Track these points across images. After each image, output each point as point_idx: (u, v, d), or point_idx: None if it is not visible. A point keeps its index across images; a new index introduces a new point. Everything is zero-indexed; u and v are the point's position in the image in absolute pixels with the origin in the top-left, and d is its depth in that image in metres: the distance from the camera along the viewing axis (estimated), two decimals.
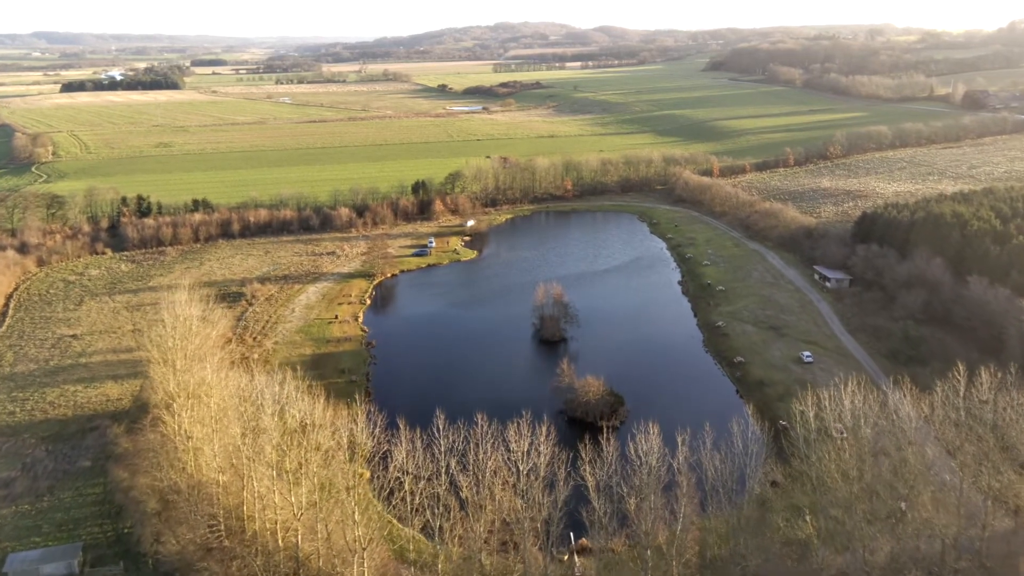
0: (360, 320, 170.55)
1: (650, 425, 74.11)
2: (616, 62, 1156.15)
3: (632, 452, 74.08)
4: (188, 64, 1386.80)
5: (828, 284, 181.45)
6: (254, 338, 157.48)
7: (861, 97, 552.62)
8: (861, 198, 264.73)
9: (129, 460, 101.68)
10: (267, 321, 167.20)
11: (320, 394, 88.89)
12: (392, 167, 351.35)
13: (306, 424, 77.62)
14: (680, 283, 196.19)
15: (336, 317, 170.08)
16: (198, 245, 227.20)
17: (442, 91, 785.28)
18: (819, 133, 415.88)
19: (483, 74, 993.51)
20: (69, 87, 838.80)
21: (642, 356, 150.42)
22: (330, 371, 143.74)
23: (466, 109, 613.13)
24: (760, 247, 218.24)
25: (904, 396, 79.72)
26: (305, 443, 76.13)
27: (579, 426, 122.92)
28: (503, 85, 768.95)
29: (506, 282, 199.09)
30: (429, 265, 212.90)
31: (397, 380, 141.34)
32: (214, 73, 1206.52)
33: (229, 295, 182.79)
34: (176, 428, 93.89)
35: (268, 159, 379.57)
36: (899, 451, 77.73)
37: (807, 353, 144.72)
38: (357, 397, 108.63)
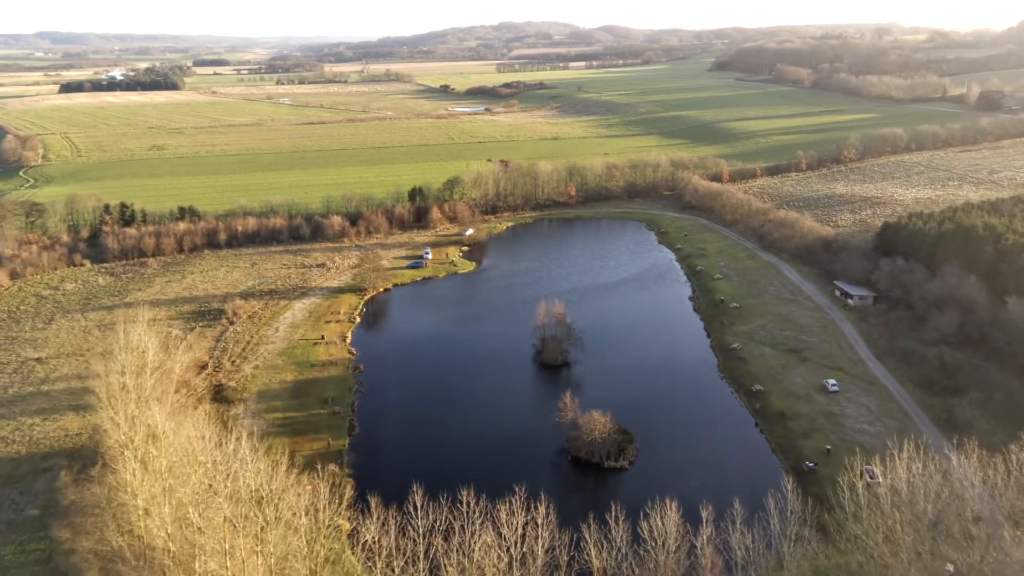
0: (348, 341, 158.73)
1: (667, 503, 62.12)
2: (620, 62, 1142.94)
3: (646, 532, 62.16)
4: (190, 64, 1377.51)
5: (851, 301, 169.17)
6: (232, 362, 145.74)
7: (872, 97, 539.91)
8: (879, 205, 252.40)
9: (73, 516, 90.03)
10: (248, 342, 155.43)
11: (283, 457, 76.80)
12: (390, 171, 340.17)
13: (262, 496, 65.84)
14: (691, 299, 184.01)
15: (322, 338, 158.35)
16: (182, 256, 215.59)
17: (444, 92, 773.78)
18: (831, 135, 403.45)
19: (486, 74, 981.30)
20: (67, 88, 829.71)
21: (652, 383, 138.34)
22: (313, 400, 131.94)
23: (468, 110, 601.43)
24: (775, 259, 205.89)
25: (968, 461, 67.51)
26: (261, 517, 64.48)
27: (583, 467, 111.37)
28: (506, 86, 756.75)
29: (505, 297, 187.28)
30: (424, 278, 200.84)
31: (384, 411, 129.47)
32: (215, 73, 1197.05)
33: (209, 313, 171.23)
34: (125, 483, 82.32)
35: (263, 163, 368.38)
36: (961, 523, 65.69)
37: (832, 381, 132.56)
38: (321, 467, 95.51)
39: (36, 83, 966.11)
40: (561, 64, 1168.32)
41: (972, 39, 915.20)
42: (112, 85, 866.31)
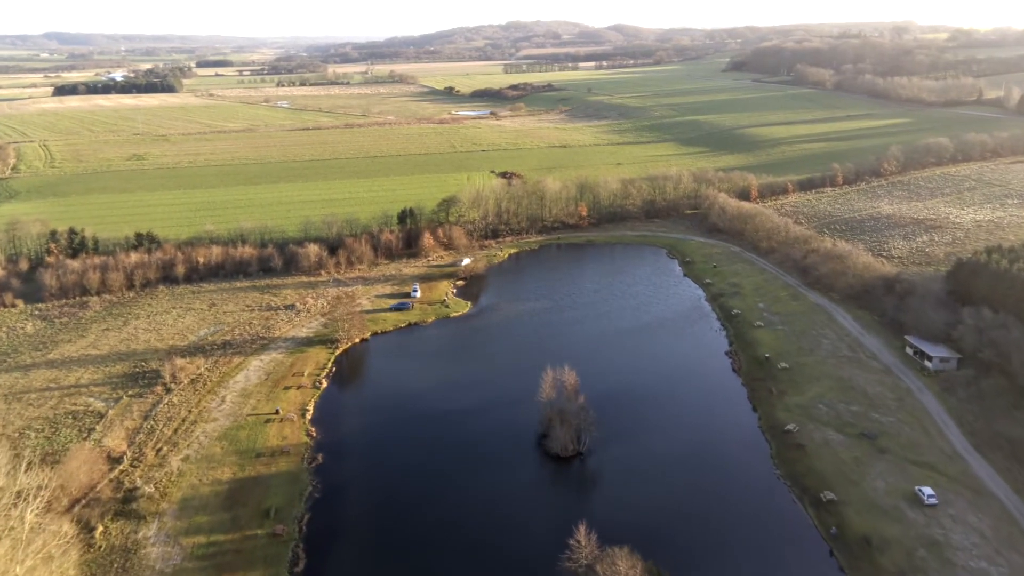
0: (308, 416, 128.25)
1: None
2: (631, 62, 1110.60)
3: None
4: (192, 65, 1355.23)
5: (928, 364, 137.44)
6: (157, 451, 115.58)
7: (901, 100, 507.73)
8: (935, 230, 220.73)
9: None
10: (183, 420, 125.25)
11: None
12: (384, 185, 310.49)
13: None
14: (728, 354, 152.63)
15: (277, 412, 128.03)
16: (131, 294, 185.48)
17: (449, 94, 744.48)
18: (863, 143, 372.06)
19: (493, 75, 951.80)
20: (61, 90, 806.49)
21: (689, 486, 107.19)
22: (250, 513, 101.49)
23: (472, 114, 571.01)
24: (824, 301, 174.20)
25: None
26: None
27: None
28: (513, 87, 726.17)
29: (504, 351, 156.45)
30: (410, 324, 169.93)
31: (341, 530, 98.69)
32: (216, 75, 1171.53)
33: (144, 376, 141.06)
34: None
35: (247, 174, 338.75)
36: None
37: (928, 490, 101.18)
38: None
39: (33, 85, 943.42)
40: (570, 64, 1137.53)
41: (996, 38, 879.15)
42: (107, 88, 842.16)
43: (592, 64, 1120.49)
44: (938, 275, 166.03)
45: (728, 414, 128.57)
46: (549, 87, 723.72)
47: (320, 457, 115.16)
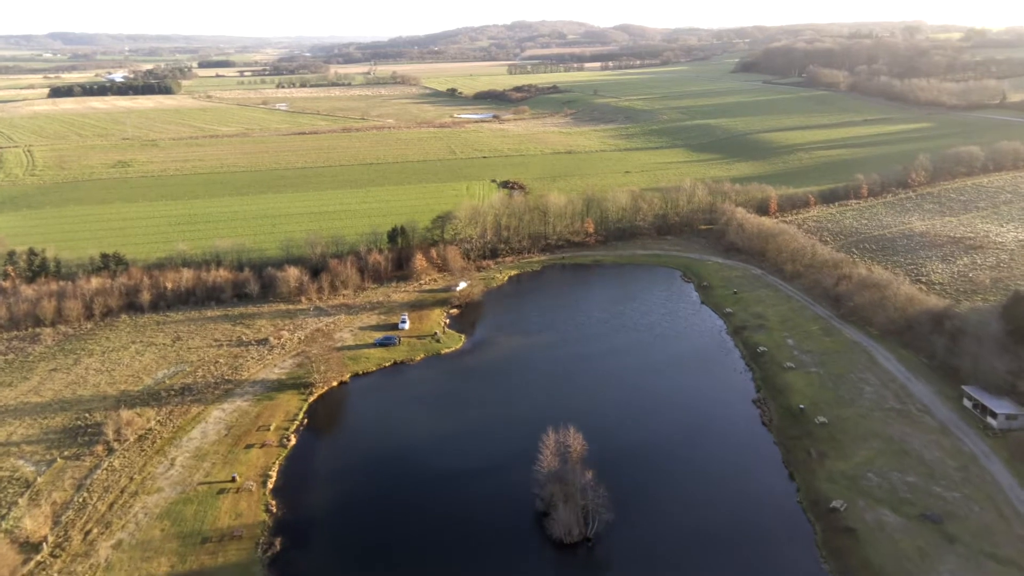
0: (270, 484, 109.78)
1: None
2: (638, 62, 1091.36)
3: None
4: (193, 66, 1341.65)
5: (992, 422, 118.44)
6: (85, 535, 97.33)
7: (920, 104, 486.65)
8: (976, 251, 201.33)
9: None
10: (123, 490, 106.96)
11: None
12: (378, 195, 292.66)
13: None
14: (756, 403, 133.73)
15: (233, 480, 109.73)
16: (89, 325, 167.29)
17: (451, 95, 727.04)
18: (885, 150, 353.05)
19: (497, 76, 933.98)
20: (57, 92, 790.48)
21: None
22: None
23: (475, 117, 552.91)
24: (861, 337, 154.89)
25: None
26: None
27: None
28: (517, 89, 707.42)
29: (501, 397, 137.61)
30: (396, 362, 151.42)
31: None
32: (217, 76, 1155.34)
33: (86, 430, 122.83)
34: None
35: (234, 184, 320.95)
36: None
37: None
38: None
39: (31, 86, 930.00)
40: (576, 65, 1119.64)
41: (1010, 38, 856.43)
42: (103, 89, 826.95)
43: (598, 64, 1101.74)
44: (993, 309, 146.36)
45: (761, 484, 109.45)
46: (554, 89, 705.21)
47: (278, 543, 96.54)
